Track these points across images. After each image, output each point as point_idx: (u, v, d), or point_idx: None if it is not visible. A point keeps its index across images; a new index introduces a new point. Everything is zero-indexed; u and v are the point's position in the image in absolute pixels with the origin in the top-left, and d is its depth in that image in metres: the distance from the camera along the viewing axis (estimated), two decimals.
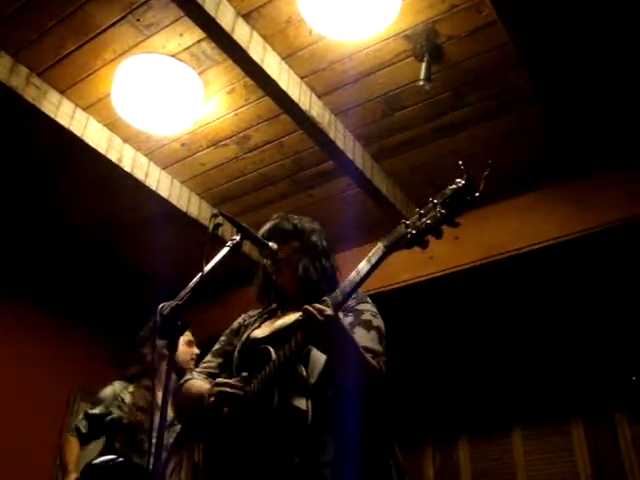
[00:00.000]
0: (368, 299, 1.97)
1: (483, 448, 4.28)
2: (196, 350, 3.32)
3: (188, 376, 2.07)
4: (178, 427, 3.12)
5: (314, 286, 1.94)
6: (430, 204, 1.46)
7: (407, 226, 1.50)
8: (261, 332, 1.96)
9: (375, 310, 1.92)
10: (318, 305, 1.57)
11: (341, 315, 1.84)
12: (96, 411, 3.17)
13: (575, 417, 4.00)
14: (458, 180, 1.44)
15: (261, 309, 2.16)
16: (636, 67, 2.79)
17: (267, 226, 2.09)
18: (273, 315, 2.07)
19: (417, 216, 1.48)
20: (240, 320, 2.17)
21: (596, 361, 4.02)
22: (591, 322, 3.99)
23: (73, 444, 3.14)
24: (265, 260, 2.06)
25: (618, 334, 3.95)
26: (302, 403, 1.65)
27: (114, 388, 3.25)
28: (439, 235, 1.46)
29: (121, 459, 3.00)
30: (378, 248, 1.57)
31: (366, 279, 1.60)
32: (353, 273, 1.62)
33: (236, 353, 1.97)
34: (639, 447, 3.73)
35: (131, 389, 3.22)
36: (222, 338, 2.15)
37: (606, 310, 3.92)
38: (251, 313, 2.18)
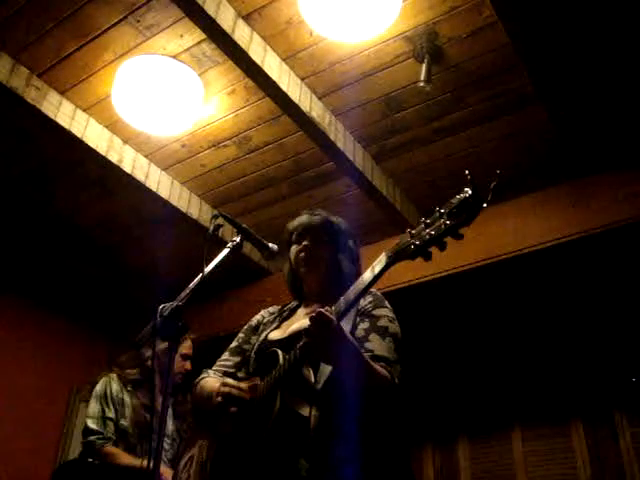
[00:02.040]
0: (386, 303, 1.94)
1: (483, 449, 4.28)
2: (188, 366, 3.19)
3: (204, 374, 2.06)
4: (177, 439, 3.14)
5: (342, 289, 1.93)
6: (437, 213, 1.43)
7: (412, 236, 1.47)
8: (278, 334, 1.95)
9: (393, 315, 1.90)
10: (324, 313, 1.55)
11: (358, 319, 1.84)
12: (111, 415, 3.02)
13: (575, 418, 4.00)
14: (466, 189, 1.39)
15: (281, 306, 2.14)
16: (636, 68, 2.79)
17: (302, 220, 2.06)
18: (293, 314, 2.05)
19: (422, 226, 1.45)
20: (259, 317, 2.15)
21: (596, 362, 4.02)
22: (591, 323, 3.99)
23: (119, 451, 2.95)
24: (296, 254, 2.03)
25: (618, 335, 3.95)
26: (305, 410, 1.63)
27: (113, 387, 3.10)
28: (442, 247, 1.42)
29: (97, 462, 2.89)
30: (381, 259, 1.55)
31: (369, 288, 1.60)
32: (358, 281, 1.62)
33: (252, 354, 1.96)
34: (639, 448, 3.73)
35: (130, 388, 3.13)
36: (240, 335, 2.13)
37: (606, 311, 3.92)
38: (271, 310, 2.17)
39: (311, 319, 1.55)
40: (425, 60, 2.79)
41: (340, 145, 3.19)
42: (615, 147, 3.24)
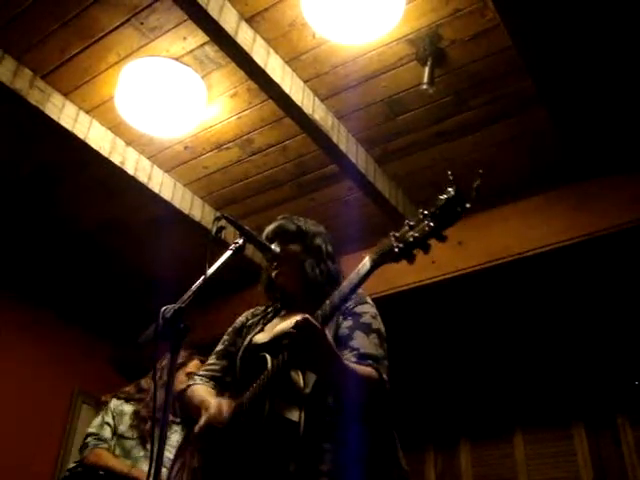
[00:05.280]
0: (367, 299, 1.95)
1: (485, 452, 4.27)
2: None
3: (191, 381, 2.07)
4: (175, 427, 3.16)
5: (317, 288, 1.93)
6: (420, 215, 1.43)
7: (396, 238, 1.46)
8: (262, 337, 1.95)
9: (375, 311, 1.91)
10: (310, 319, 1.55)
11: (340, 318, 1.84)
12: (112, 421, 3.15)
13: (577, 421, 3.98)
14: (449, 190, 1.39)
15: (265, 307, 2.15)
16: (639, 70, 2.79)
17: (271, 227, 2.07)
18: (276, 315, 2.05)
19: (406, 228, 1.45)
20: (242, 319, 2.16)
21: (599, 365, 4.00)
22: (594, 326, 3.98)
23: (107, 454, 3.06)
24: (268, 262, 2.06)
25: (621, 338, 3.94)
26: (294, 414, 1.64)
27: (113, 403, 3.25)
28: (426, 250, 1.42)
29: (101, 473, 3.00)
30: (365, 263, 1.55)
31: (355, 291, 1.61)
32: (343, 284, 1.62)
33: (238, 359, 1.96)
34: None
35: (130, 402, 3.24)
36: (225, 337, 2.14)
37: (609, 314, 3.91)
38: (255, 311, 2.17)
39: (296, 325, 1.55)
40: (428, 63, 2.79)
41: (343, 147, 3.20)
42: (618, 150, 3.23)
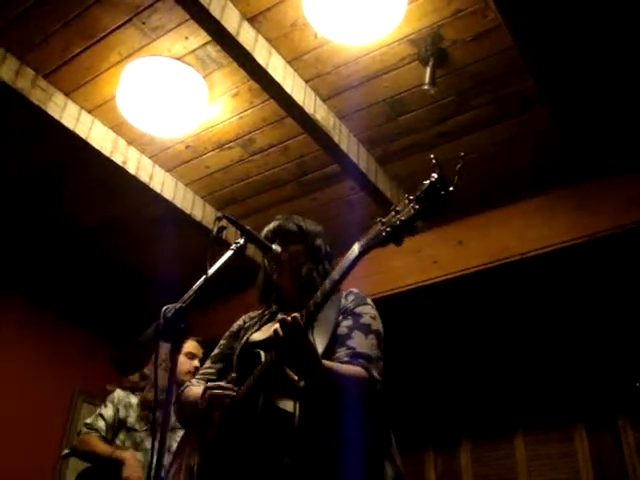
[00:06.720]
0: (368, 300, 1.96)
1: (485, 453, 4.26)
2: (196, 363, 3.27)
3: (187, 383, 2.08)
4: (180, 432, 3.16)
5: (314, 291, 1.93)
6: (406, 200, 1.48)
7: (383, 224, 1.50)
8: (259, 335, 1.96)
9: (375, 312, 1.91)
10: (294, 317, 1.56)
11: (340, 317, 1.84)
12: (110, 412, 3.19)
13: (578, 423, 3.98)
14: (432, 174, 1.45)
15: (262, 310, 2.15)
16: None
17: (270, 226, 2.07)
18: (273, 317, 2.05)
19: (393, 213, 1.49)
20: (240, 322, 2.16)
21: (599, 367, 4.00)
22: (595, 327, 3.98)
23: (98, 440, 3.12)
24: (267, 261, 2.05)
25: (622, 340, 3.94)
26: (289, 405, 1.63)
27: (117, 394, 3.28)
28: (412, 232, 1.46)
29: None
30: (354, 249, 1.57)
31: (345, 277, 1.61)
32: (334, 272, 1.63)
33: (235, 357, 1.97)
34: None
35: (136, 394, 3.28)
36: (222, 342, 2.15)
37: (610, 315, 3.91)
38: (252, 314, 2.17)
39: (282, 323, 1.56)
40: (430, 63, 2.79)
41: (344, 147, 3.20)
42: (620, 150, 3.23)
